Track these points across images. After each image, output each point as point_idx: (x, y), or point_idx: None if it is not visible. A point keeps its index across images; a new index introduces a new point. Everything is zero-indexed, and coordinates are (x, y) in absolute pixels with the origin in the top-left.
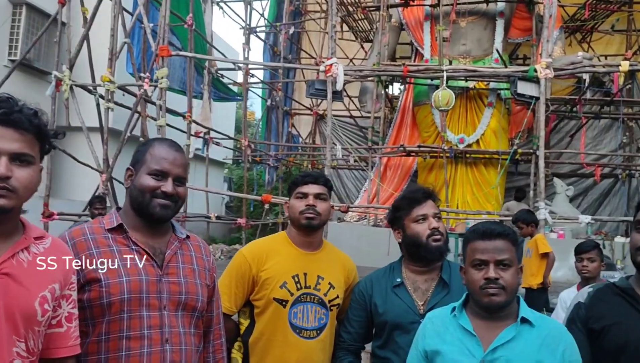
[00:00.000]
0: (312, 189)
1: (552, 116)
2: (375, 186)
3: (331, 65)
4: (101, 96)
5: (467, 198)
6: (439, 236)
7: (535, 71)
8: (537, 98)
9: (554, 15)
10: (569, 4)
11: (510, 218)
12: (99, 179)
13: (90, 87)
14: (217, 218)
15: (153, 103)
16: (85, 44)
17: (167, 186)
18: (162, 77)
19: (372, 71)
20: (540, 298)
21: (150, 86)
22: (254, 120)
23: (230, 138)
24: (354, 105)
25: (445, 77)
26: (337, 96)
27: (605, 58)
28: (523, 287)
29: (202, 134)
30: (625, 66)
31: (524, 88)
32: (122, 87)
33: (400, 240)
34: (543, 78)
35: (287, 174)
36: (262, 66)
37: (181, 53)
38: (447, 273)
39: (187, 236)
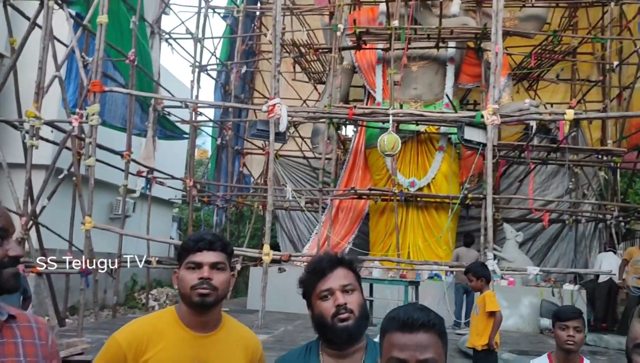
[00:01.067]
0: (207, 257)
1: (501, 161)
2: (325, 230)
3: (274, 105)
4: (27, 132)
5: (418, 242)
6: (345, 315)
7: (482, 116)
8: (485, 144)
9: (500, 63)
10: (516, 52)
11: (459, 267)
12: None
13: (16, 123)
14: (159, 262)
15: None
16: (12, 76)
17: None
18: (93, 114)
19: (317, 113)
20: (487, 361)
21: (81, 123)
22: (206, 158)
23: (174, 177)
24: (306, 146)
25: (391, 121)
26: (281, 137)
27: (552, 105)
28: (468, 347)
29: (144, 174)
30: (570, 114)
31: (471, 134)
32: (50, 123)
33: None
34: (490, 124)
35: (238, 216)
36: (209, 104)
37: (115, 89)
38: (373, 357)
39: (12, 317)
